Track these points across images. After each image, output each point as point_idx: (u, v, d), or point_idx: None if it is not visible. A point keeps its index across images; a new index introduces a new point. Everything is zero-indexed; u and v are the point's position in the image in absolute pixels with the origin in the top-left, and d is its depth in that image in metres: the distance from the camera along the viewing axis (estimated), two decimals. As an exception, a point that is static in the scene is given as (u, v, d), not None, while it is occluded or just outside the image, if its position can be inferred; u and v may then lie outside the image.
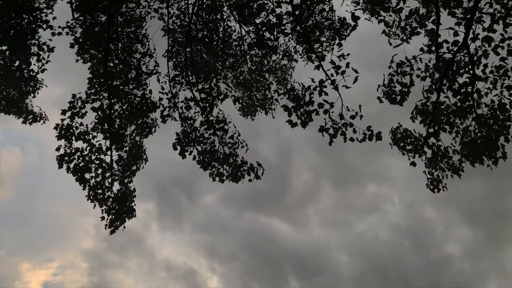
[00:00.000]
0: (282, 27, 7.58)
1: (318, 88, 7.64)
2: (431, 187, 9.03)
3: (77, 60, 9.59)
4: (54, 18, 9.81)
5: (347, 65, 7.56)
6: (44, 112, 11.87)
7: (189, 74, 10.27)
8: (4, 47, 9.73)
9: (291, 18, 8.33)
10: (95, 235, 41.32)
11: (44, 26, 9.59)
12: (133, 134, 9.73)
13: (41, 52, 9.97)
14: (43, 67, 10.27)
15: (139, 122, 9.52)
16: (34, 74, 10.51)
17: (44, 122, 11.70)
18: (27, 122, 11.44)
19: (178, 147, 9.51)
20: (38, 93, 11.00)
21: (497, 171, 8.53)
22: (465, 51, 7.85)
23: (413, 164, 8.81)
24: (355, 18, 7.53)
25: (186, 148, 9.49)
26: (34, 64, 10.33)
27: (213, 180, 9.76)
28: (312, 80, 7.86)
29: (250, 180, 9.61)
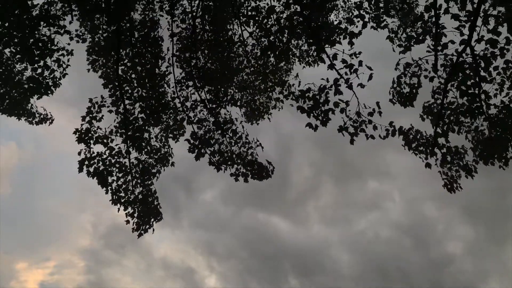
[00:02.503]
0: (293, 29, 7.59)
1: (333, 88, 7.69)
2: (449, 186, 8.96)
3: (88, 70, 9.54)
4: (70, 22, 9.81)
5: (360, 63, 7.58)
6: (49, 112, 11.95)
7: (195, 77, 10.28)
8: (7, 50, 9.71)
9: (300, 19, 8.34)
10: (92, 233, 40.96)
11: (62, 31, 9.49)
12: (158, 136, 9.75)
13: (61, 57, 9.90)
14: (64, 72, 10.18)
15: (162, 124, 9.56)
16: (51, 80, 10.39)
17: (51, 123, 11.74)
18: (34, 123, 11.46)
19: (196, 150, 9.49)
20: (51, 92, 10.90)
21: (499, 169, 8.59)
22: (470, 52, 7.92)
23: (428, 165, 8.76)
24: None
25: (202, 151, 9.53)
26: (55, 70, 10.22)
27: (231, 176, 9.87)
28: (327, 80, 7.89)
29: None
